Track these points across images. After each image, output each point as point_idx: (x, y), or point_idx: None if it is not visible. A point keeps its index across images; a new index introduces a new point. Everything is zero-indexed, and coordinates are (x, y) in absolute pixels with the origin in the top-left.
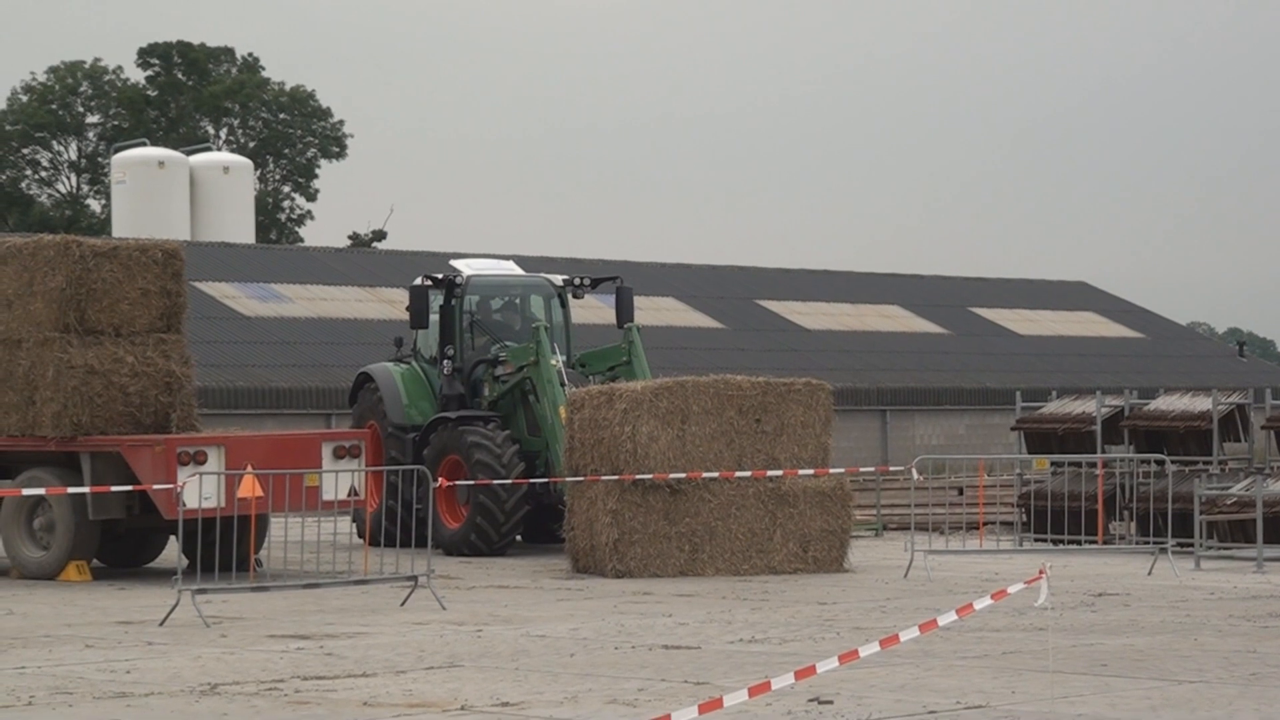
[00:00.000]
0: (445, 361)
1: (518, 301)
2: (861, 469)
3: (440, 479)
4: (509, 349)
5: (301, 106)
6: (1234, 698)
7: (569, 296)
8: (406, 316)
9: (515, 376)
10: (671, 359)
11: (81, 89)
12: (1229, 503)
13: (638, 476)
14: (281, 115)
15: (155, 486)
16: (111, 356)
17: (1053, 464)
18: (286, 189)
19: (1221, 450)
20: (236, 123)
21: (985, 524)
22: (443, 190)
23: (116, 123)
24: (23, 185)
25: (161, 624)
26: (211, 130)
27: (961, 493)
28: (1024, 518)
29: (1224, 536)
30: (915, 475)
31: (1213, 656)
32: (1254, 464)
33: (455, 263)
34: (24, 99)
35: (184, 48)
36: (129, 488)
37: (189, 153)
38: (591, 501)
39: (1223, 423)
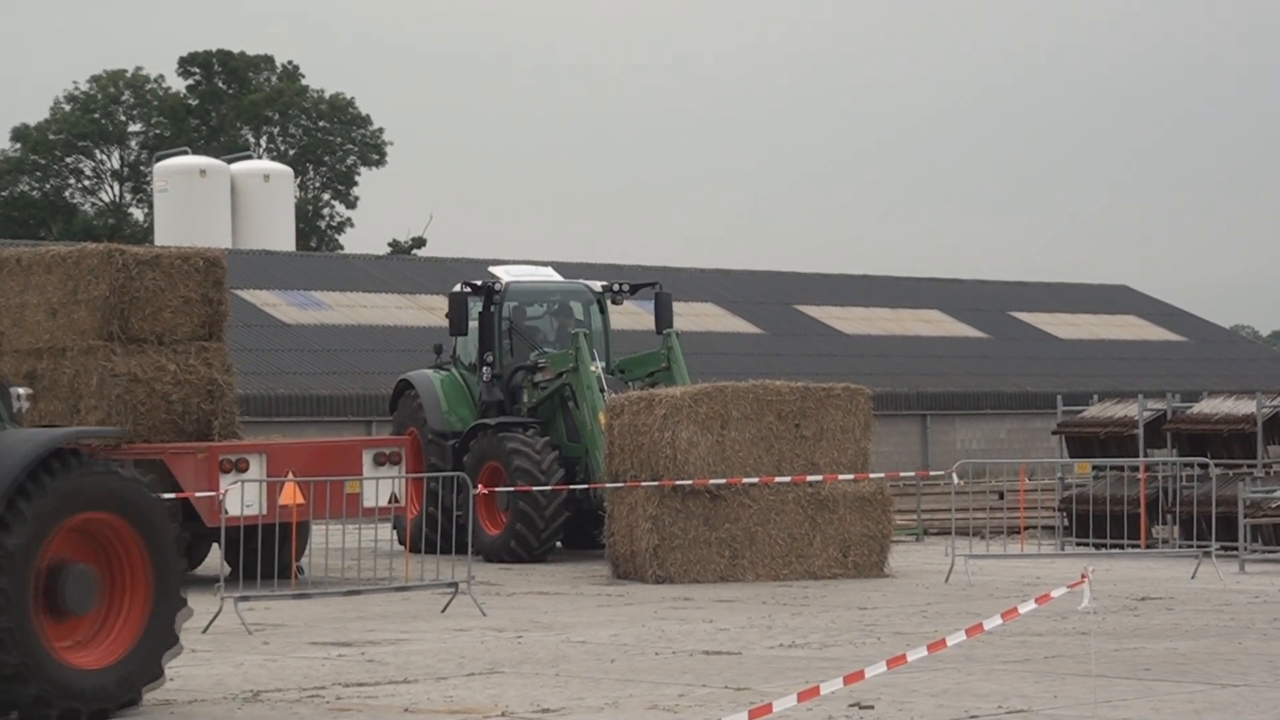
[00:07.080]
0: (484, 368)
1: (557, 308)
2: (902, 474)
3: (480, 485)
4: (548, 355)
5: (341, 114)
6: (1278, 701)
7: (608, 302)
8: (446, 323)
9: (555, 383)
10: (710, 364)
11: (123, 98)
12: (1273, 506)
13: (677, 482)
14: (321, 123)
15: (198, 494)
16: (154, 364)
17: (1094, 468)
18: (326, 196)
19: (1266, 453)
20: (277, 131)
21: (1026, 528)
22: (482, 197)
23: (158, 131)
24: (66, 194)
25: (204, 631)
26: (252, 138)
27: (1002, 497)
28: (1065, 522)
29: (1268, 540)
30: (956, 480)
31: (1257, 660)
32: None
33: (494, 269)
34: (67, 108)
35: (224, 56)
36: (171, 495)
37: (230, 161)
38: (631, 507)
39: (1267, 426)
